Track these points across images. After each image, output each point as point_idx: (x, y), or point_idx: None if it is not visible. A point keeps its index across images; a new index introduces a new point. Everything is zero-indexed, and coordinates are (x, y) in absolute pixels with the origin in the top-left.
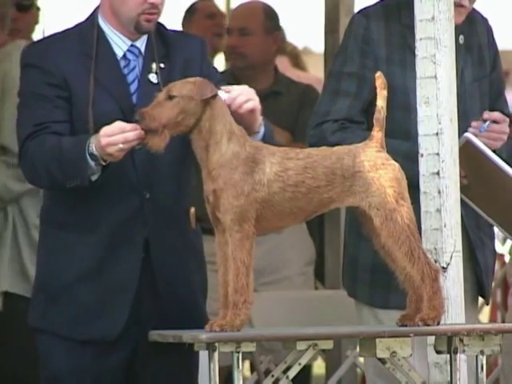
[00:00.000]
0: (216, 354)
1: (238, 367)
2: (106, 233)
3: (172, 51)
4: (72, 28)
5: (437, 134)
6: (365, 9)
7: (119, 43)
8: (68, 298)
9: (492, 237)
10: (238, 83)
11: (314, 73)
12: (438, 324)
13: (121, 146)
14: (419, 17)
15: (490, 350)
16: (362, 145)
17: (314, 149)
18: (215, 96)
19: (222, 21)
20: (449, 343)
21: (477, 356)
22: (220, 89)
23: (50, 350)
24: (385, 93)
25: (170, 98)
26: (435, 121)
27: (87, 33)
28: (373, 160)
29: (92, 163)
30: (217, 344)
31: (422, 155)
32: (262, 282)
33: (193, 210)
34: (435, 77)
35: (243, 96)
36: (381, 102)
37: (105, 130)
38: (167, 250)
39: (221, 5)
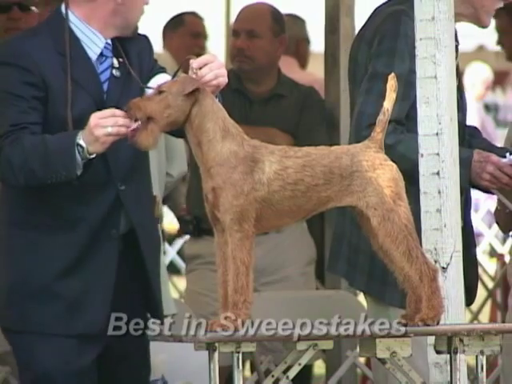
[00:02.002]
0: (216, 354)
1: (238, 367)
2: (83, 230)
3: (126, 46)
4: (41, 26)
5: (437, 134)
6: (401, 8)
7: (96, 40)
8: (49, 295)
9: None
10: (242, 85)
11: (314, 73)
12: (438, 324)
13: (109, 129)
14: (419, 17)
15: (489, 350)
16: (361, 145)
17: (312, 147)
18: (197, 90)
19: (204, 42)
20: (449, 343)
21: (477, 356)
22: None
23: (32, 349)
24: (393, 95)
25: (160, 93)
26: (435, 121)
27: (57, 31)
28: (371, 160)
29: (78, 155)
30: (217, 344)
31: (422, 155)
32: (262, 282)
33: (158, 197)
34: (435, 77)
35: (211, 74)
36: (387, 104)
37: (96, 113)
38: (148, 241)
39: (221, 6)
